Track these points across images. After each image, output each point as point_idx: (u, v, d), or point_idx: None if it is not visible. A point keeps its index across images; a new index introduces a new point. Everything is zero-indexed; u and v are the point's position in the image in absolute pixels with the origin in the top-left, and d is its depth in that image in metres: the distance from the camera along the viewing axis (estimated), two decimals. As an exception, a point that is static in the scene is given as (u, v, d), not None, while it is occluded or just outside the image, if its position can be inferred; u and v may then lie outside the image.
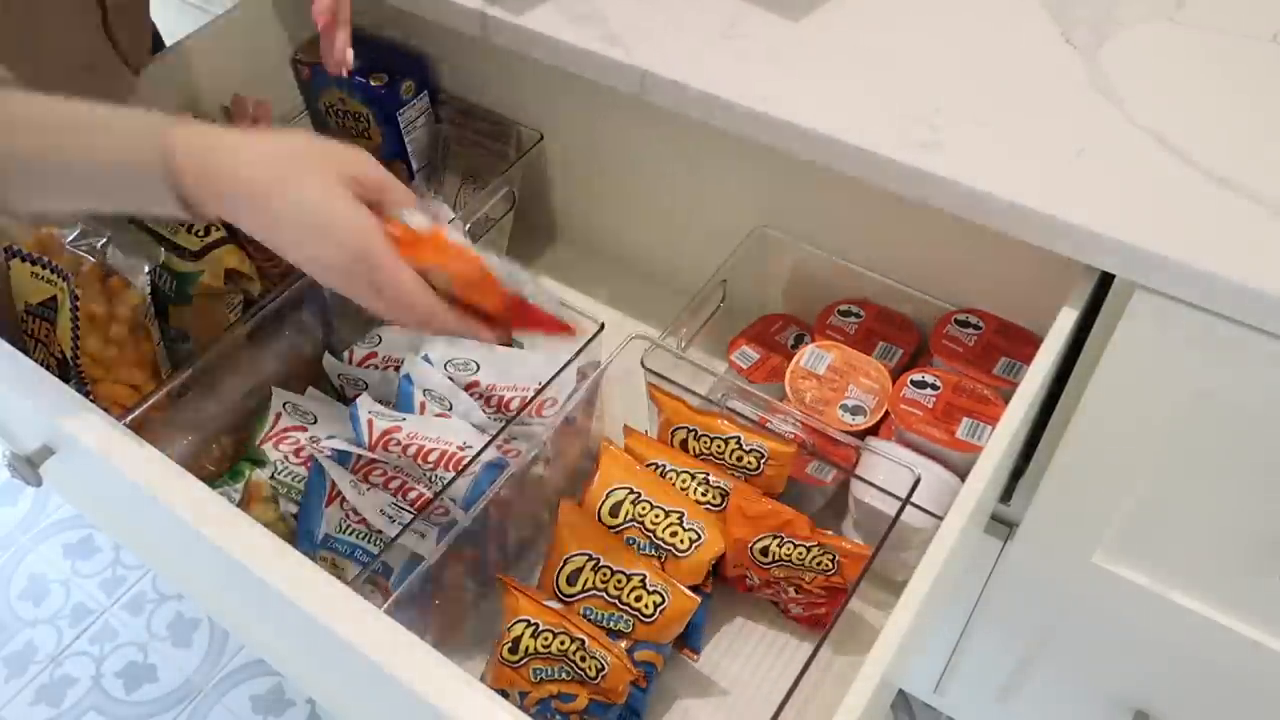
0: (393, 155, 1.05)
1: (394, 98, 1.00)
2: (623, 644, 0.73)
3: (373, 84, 0.99)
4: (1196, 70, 0.72)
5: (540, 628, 0.71)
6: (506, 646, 0.72)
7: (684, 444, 0.82)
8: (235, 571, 0.60)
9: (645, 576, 0.73)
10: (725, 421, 0.79)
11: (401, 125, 1.02)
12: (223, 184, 0.52)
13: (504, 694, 0.74)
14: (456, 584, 0.80)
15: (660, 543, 0.76)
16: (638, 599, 0.73)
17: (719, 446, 0.80)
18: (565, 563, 0.74)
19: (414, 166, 1.06)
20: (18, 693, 1.36)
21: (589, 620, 0.74)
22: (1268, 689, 0.83)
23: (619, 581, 0.74)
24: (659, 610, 0.73)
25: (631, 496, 0.77)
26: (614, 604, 0.74)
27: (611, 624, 0.74)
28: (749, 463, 0.79)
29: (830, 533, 0.77)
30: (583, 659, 0.71)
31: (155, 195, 0.53)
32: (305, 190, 0.52)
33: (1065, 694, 1.01)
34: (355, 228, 0.52)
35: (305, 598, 0.56)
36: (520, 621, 0.72)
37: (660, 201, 1.01)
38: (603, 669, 0.71)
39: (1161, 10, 0.76)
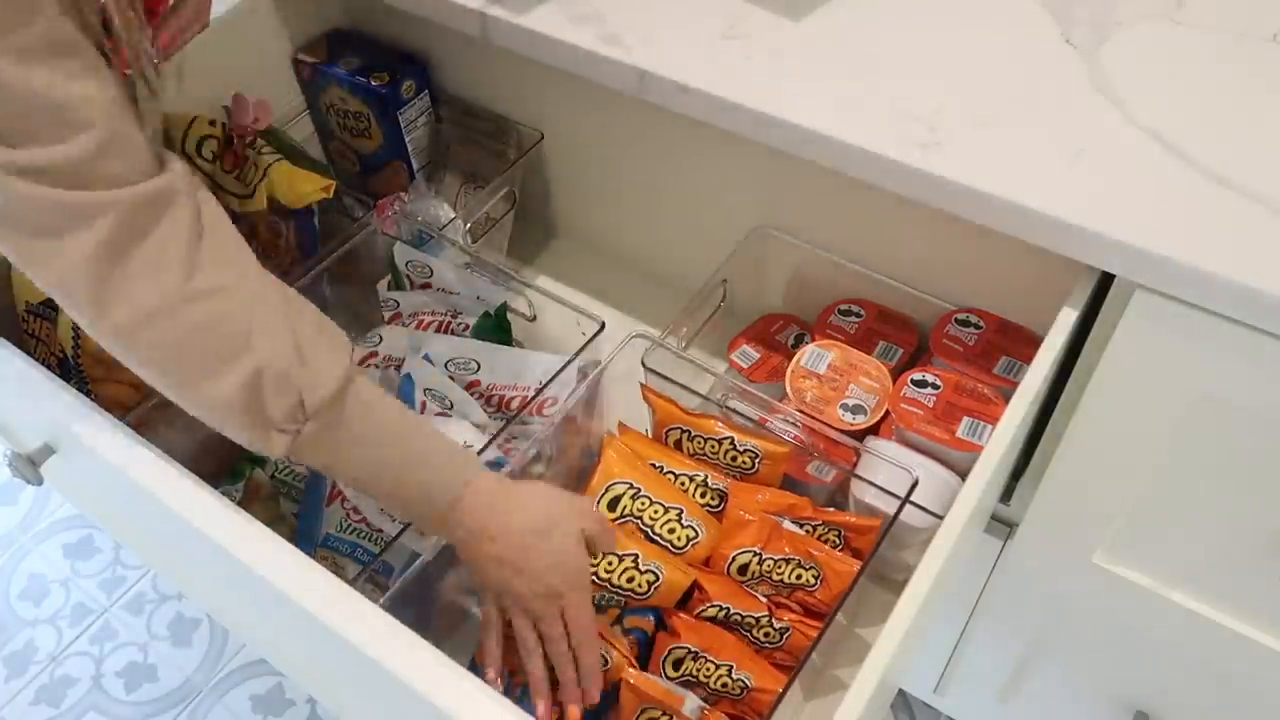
0: (393, 155, 1.05)
1: (394, 98, 1.00)
2: (613, 614, 0.74)
3: (373, 84, 0.99)
4: (1196, 70, 0.72)
5: None
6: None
7: (678, 444, 0.82)
8: (235, 571, 0.60)
9: (638, 557, 0.73)
10: (718, 423, 0.80)
11: (402, 125, 1.02)
12: (492, 530, 0.64)
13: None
14: (456, 582, 0.80)
15: (657, 538, 0.76)
16: (630, 580, 0.73)
17: (713, 447, 0.80)
18: None
19: (414, 166, 1.06)
20: (18, 693, 1.36)
21: None
22: (1268, 689, 0.83)
23: (609, 564, 0.73)
24: (653, 588, 0.73)
25: (631, 491, 0.77)
26: (604, 585, 0.74)
27: (602, 602, 0.74)
28: (744, 462, 0.80)
29: (833, 510, 0.78)
30: None
31: (423, 510, 0.65)
32: (562, 542, 0.65)
33: (1065, 694, 1.01)
34: (583, 569, 0.66)
35: (305, 597, 0.56)
36: None
37: (660, 201, 1.01)
38: (604, 664, 0.71)
39: (1161, 10, 0.76)
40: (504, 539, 0.64)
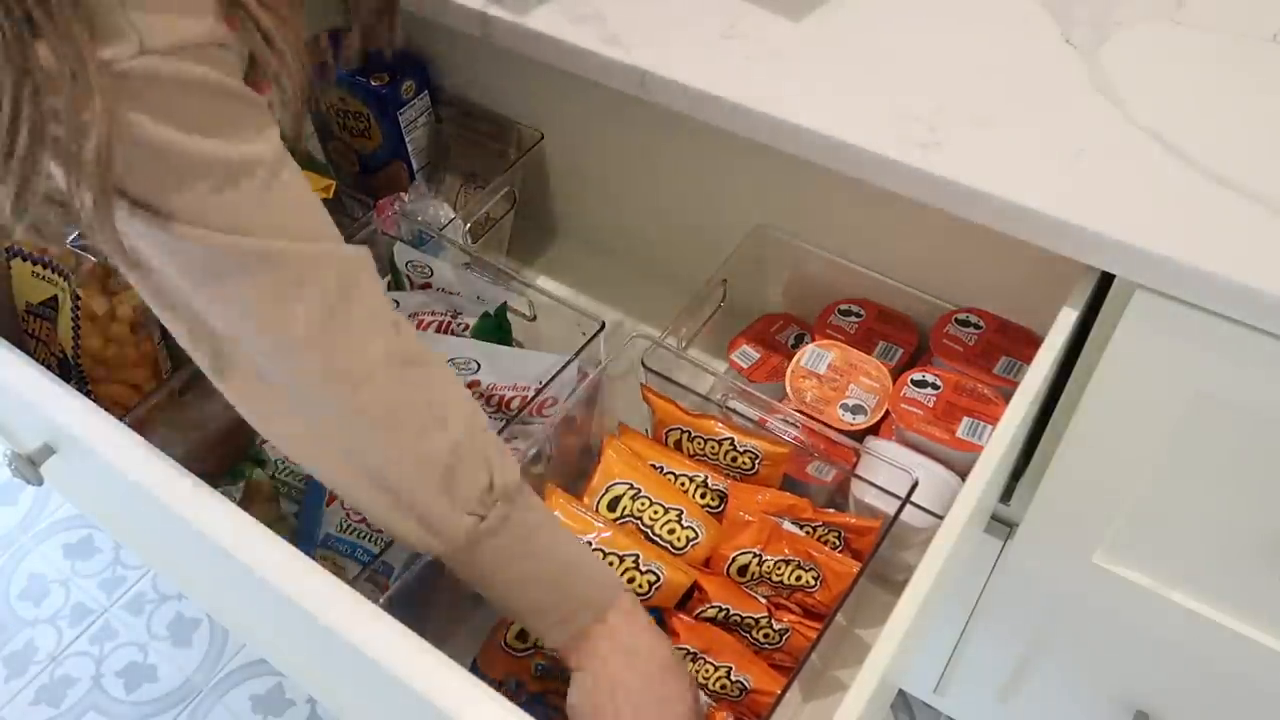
0: (393, 155, 1.05)
1: (394, 98, 1.00)
2: None
3: (373, 84, 0.99)
4: (1196, 70, 0.72)
5: None
6: (514, 633, 0.72)
7: (678, 444, 0.82)
8: (235, 571, 0.60)
9: (638, 557, 0.73)
10: (718, 423, 0.80)
11: (402, 125, 1.02)
12: (625, 661, 0.64)
13: (499, 684, 0.74)
14: (456, 583, 0.80)
15: (657, 539, 0.76)
16: (630, 581, 0.73)
17: (713, 448, 0.80)
18: None
19: (414, 166, 1.06)
20: (18, 693, 1.36)
21: None
22: (1268, 689, 0.83)
23: (609, 564, 0.74)
24: (653, 589, 0.73)
25: (631, 492, 0.77)
26: None
27: None
28: (744, 463, 0.80)
29: (833, 511, 0.78)
30: None
31: (561, 625, 0.63)
32: (677, 706, 0.64)
33: (1065, 694, 1.01)
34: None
35: (305, 597, 0.56)
36: None
37: (660, 201, 1.01)
38: None
39: (1161, 10, 0.76)
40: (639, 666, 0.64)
